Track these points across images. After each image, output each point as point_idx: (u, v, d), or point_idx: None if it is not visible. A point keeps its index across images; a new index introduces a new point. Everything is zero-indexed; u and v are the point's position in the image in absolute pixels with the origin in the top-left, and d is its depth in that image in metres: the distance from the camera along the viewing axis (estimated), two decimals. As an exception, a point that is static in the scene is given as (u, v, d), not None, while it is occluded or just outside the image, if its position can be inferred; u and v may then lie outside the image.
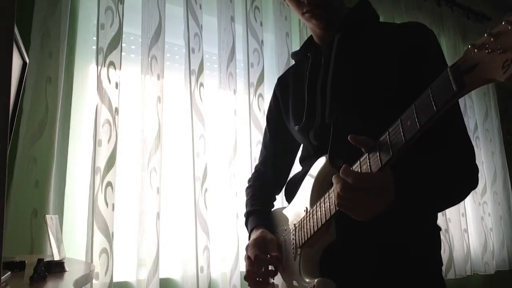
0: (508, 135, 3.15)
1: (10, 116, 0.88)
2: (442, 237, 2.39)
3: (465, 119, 2.99)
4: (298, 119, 1.03)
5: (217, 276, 1.72)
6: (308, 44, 1.09)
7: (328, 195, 0.81)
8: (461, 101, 2.80)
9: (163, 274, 1.58)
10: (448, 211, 2.54)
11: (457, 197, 0.86)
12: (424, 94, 0.58)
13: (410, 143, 0.61)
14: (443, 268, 2.37)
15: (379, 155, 0.66)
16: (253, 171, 1.27)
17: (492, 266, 2.73)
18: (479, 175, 2.80)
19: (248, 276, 0.98)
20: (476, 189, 2.76)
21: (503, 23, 0.47)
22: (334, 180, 0.72)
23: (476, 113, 2.94)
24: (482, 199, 2.82)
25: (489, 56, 0.48)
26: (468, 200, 2.75)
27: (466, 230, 2.64)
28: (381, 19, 2.65)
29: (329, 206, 0.79)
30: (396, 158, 0.64)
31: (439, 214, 2.42)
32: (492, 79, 0.48)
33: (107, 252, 1.46)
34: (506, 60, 0.46)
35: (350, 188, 0.69)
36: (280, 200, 1.26)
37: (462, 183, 0.84)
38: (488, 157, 2.92)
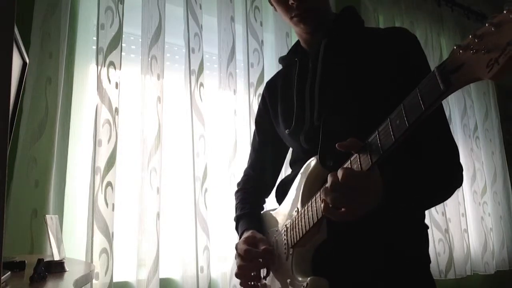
0: (508, 135, 3.15)
1: (10, 116, 0.89)
2: (442, 237, 2.42)
3: (465, 119, 2.98)
4: (287, 123, 1.04)
5: (217, 276, 1.72)
6: (295, 49, 1.11)
7: (319, 195, 0.81)
8: (461, 101, 2.81)
9: (163, 274, 1.58)
10: (448, 211, 2.54)
11: (442, 196, 0.88)
12: (412, 93, 0.60)
13: (399, 141, 0.63)
14: (443, 268, 2.39)
15: (370, 154, 0.68)
16: (242, 174, 1.27)
17: (492, 266, 2.72)
18: (480, 174, 2.80)
19: (240, 273, 0.98)
20: (476, 189, 2.78)
21: (486, 24, 0.49)
22: (329, 177, 0.72)
23: (476, 113, 2.95)
24: (482, 199, 2.82)
25: (474, 57, 0.50)
26: (468, 200, 2.76)
27: (466, 230, 2.64)
28: (381, 19, 2.67)
29: (320, 205, 0.80)
30: (386, 156, 0.66)
31: (439, 214, 2.44)
32: (477, 78, 0.50)
33: (107, 252, 1.46)
34: (490, 60, 0.48)
35: (339, 185, 0.69)
36: (272, 203, 1.26)
37: (448, 182, 0.86)
38: (488, 157, 2.92)
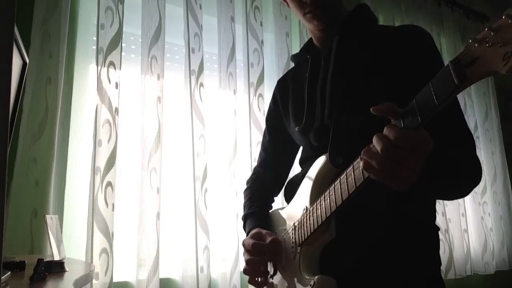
0: (508, 135, 3.15)
1: (10, 116, 0.88)
2: (442, 237, 2.41)
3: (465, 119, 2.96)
4: (298, 120, 1.03)
5: (217, 276, 1.72)
6: (307, 47, 1.10)
7: (328, 193, 0.81)
8: (461, 101, 2.81)
9: (163, 274, 1.58)
10: (448, 211, 2.54)
11: (467, 186, 0.82)
12: (425, 88, 0.59)
13: None
14: (443, 268, 2.39)
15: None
16: (251, 172, 1.27)
17: (492, 266, 2.73)
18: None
19: (248, 268, 0.98)
20: (476, 189, 2.77)
21: (503, 17, 0.48)
22: (374, 139, 0.63)
23: (476, 113, 2.95)
24: (482, 199, 2.82)
25: (490, 50, 0.49)
26: (468, 200, 2.76)
27: (466, 230, 2.64)
28: (381, 19, 2.68)
29: (329, 203, 0.80)
30: None
31: (439, 214, 2.44)
32: (493, 71, 0.49)
33: (107, 252, 1.46)
34: (507, 53, 0.47)
35: (395, 146, 0.60)
36: (280, 202, 1.26)
37: (476, 172, 0.82)
38: (488, 157, 2.93)
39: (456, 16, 3.04)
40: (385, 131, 0.62)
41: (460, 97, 2.81)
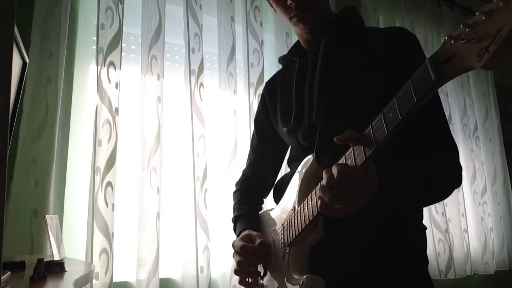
0: (508, 135, 3.15)
1: (10, 116, 0.88)
2: (442, 237, 2.42)
3: (465, 119, 2.97)
4: (286, 121, 1.04)
5: (217, 276, 1.72)
6: (295, 49, 1.11)
7: (315, 192, 0.81)
8: (461, 101, 2.81)
9: (163, 274, 1.58)
10: (448, 211, 2.54)
11: (440, 196, 0.88)
12: (405, 85, 0.60)
13: (392, 134, 0.62)
14: (443, 268, 2.38)
15: (363, 148, 0.67)
16: (241, 174, 1.27)
17: (492, 266, 2.72)
18: (480, 174, 2.79)
19: (238, 269, 0.99)
20: (476, 189, 2.77)
21: (477, 13, 0.49)
22: (323, 174, 0.71)
23: (476, 113, 2.95)
24: (482, 199, 2.82)
25: (465, 46, 0.50)
26: (468, 200, 2.75)
27: (466, 230, 2.64)
28: (381, 19, 2.67)
29: (316, 202, 0.80)
30: (380, 150, 0.65)
31: (439, 214, 2.44)
32: (469, 67, 0.50)
33: (107, 252, 1.46)
34: (481, 49, 0.47)
35: (335, 182, 0.68)
36: (270, 203, 1.26)
37: (447, 182, 0.86)
38: (488, 157, 2.92)
39: (456, 16, 3.04)
40: (333, 168, 0.69)
41: (460, 97, 2.82)
